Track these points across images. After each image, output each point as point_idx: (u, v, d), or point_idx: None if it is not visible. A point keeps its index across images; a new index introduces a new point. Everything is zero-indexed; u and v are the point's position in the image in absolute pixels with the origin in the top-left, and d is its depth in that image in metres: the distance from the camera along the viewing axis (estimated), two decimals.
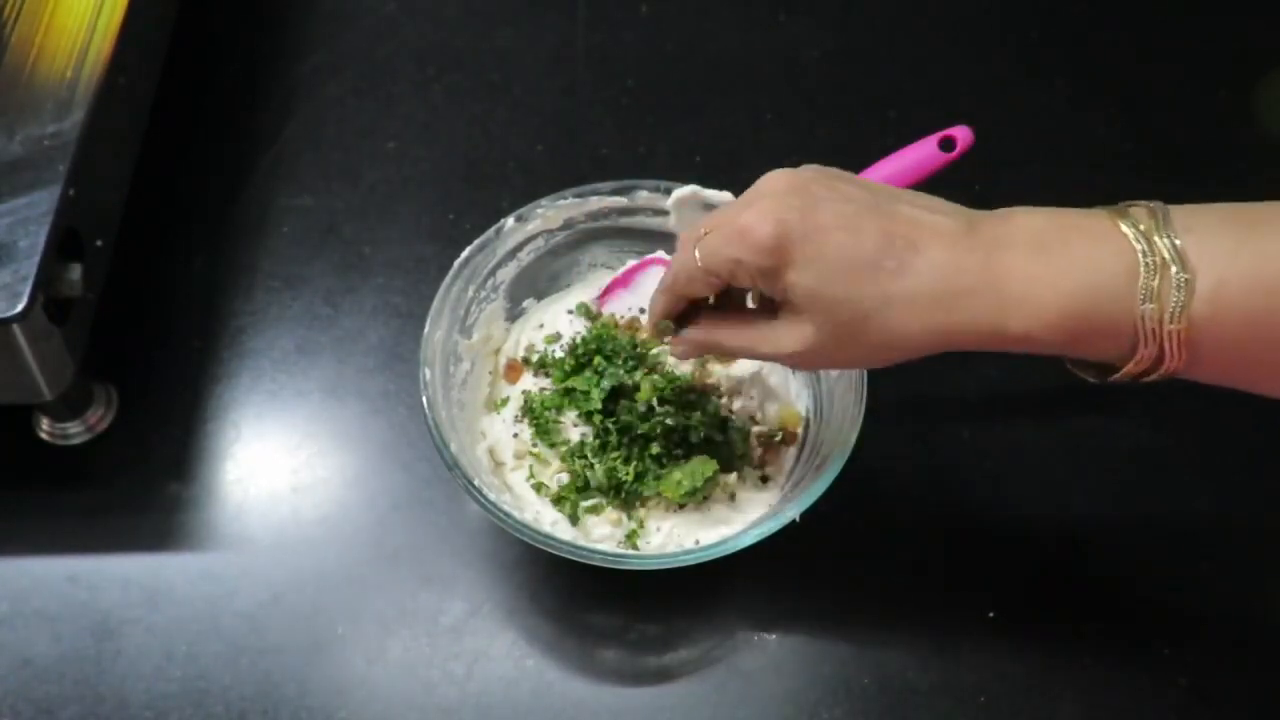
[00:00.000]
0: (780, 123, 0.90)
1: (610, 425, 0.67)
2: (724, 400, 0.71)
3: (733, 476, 0.69)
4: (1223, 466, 0.76)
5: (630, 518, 0.68)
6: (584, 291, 0.76)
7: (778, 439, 0.71)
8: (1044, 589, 0.71)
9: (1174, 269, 0.52)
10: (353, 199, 0.85)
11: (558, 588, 0.70)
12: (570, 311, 0.75)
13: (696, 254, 0.58)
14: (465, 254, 0.71)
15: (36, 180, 0.66)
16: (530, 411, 0.70)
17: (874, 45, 0.95)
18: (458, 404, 0.70)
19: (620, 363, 0.69)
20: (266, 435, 0.76)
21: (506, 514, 0.63)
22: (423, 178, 0.86)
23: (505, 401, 0.72)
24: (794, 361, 0.59)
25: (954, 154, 0.72)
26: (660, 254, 0.74)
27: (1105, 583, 0.71)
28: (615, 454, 0.67)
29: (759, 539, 0.63)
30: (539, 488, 0.69)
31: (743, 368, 0.72)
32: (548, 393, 0.70)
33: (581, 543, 0.65)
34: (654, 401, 0.67)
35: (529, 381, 0.72)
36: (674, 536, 0.67)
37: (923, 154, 0.72)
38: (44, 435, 0.74)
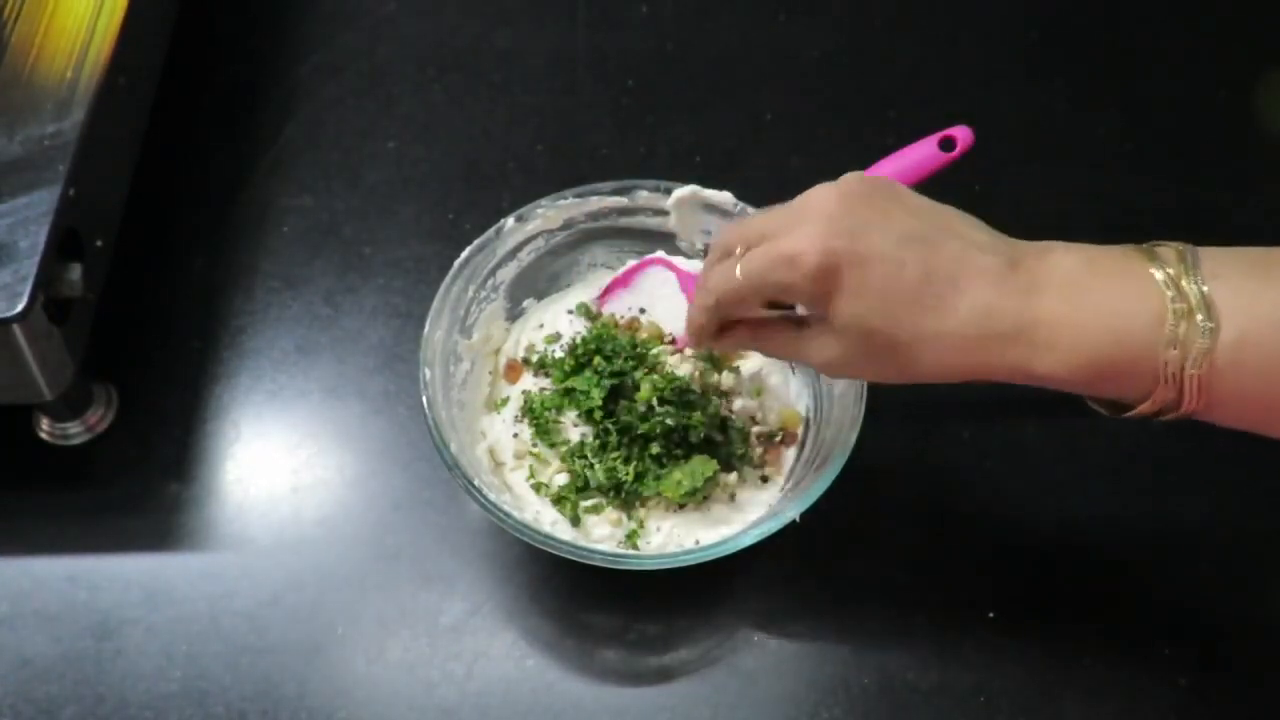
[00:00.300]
0: (780, 123, 0.90)
1: (610, 425, 0.67)
2: (724, 400, 0.71)
3: (733, 476, 0.69)
4: (1223, 466, 0.76)
5: (630, 518, 0.68)
6: (584, 291, 0.76)
7: (778, 439, 0.71)
8: (1044, 589, 0.71)
9: (1200, 316, 0.52)
10: (353, 199, 0.85)
11: (558, 588, 0.70)
12: (570, 311, 0.75)
13: (739, 273, 0.58)
14: (465, 254, 0.71)
15: (36, 180, 0.66)
16: (530, 411, 0.70)
17: (874, 45, 0.95)
18: (458, 404, 0.70)
19: (620, 363, 0.69)
20: (266, 435, 0.76)
21: (506, 514, 0.63)
22: (423, 178, 0.86)
23: (505, 401, 0.72)
24: (820, 370, 0.61)
25: (954, 154, 0.72)
26: (660, 254, 0.74)
27: (1105, 583, 0.71)
28: (615, 454, 0.67)
29: (759, 539, 0.63)
30: (539, 488, 0.69)
31: (743, 368, 0.72)
32: (548, 393, 0.70)
33: (581, 543, 0.65)
34: (654, 401, 0.67)
35: (529, 381, 0.72)
36: (674, 536, 0.67)
37: (923, 154, 0.72)
38: (44, 435, 0.74)
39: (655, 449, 0.67)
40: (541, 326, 0.75)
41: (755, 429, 0.71)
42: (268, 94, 0.90)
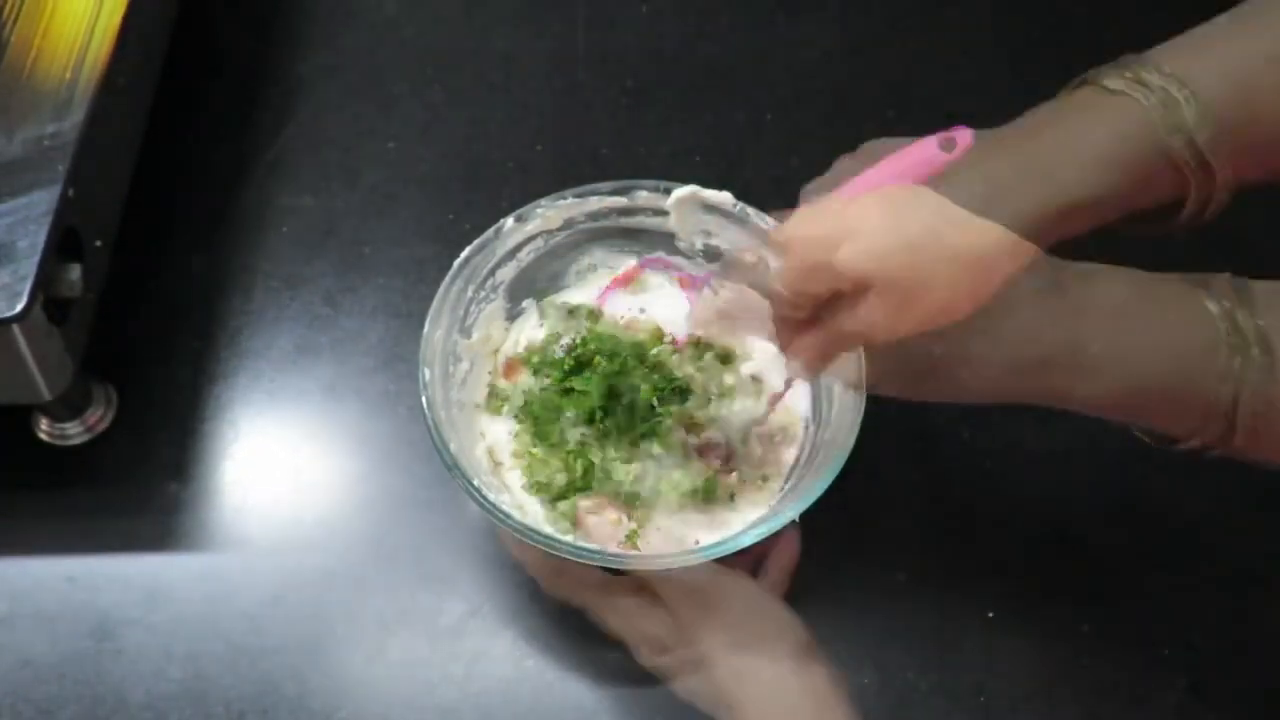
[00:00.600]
0: (780, 123, 0.90)
1: (610, 425, 0.67)
2: (724, 400, 0.71)
3: (733, 476, 0.69)
4: (1222, 467, 0.75)
5: (630, 518, 0.68)
6: (584, 292, 0.76)
7: (777, 439, 0.71)
8: (1044, 589, 0.71)
9: (1256, 350, 0.51)
10: (352, 199, 0.85)
11: None
12: (570, 312, 0.75)
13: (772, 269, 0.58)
14: (465, 254, 0.71)
15: (36, 180, 0.66)
16: (529, 411, 0.70)
17: (873, 45, 0.95)
18: (457, 404, 0.70)
19: (620, 362, 0.69)
20: (266, 435, 0.76)
21: (506, 514, 0.63)
22: (422, 178, 0.86)
23: (505, 401, 0.72)
24: (888, 336, 0.56)
25: (954, 154, 0.72)
26: (660, 254, 0.74)
27: (1105, 583, 0.71)
28: (615, 454, 0.67)
29: (759, 539, 0.63)
30: (537, 487, 0.69)
31: (743, 368, 0.72)
32: (547, 392, 0.70)
33: (581, 543, 0.65)
34: (654, 401, 0.67)
35: (528, 381, 0.72)
36: (674, 536, 0.67)
37: (922, 155, 0.72)
38: (43, 436, 0.74)
39: (655, 449, 0.67)
40: (541, 326, 0.75)
41: (755, 429, 0.71)
42: (268, 94, 0.90)
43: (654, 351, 0.70)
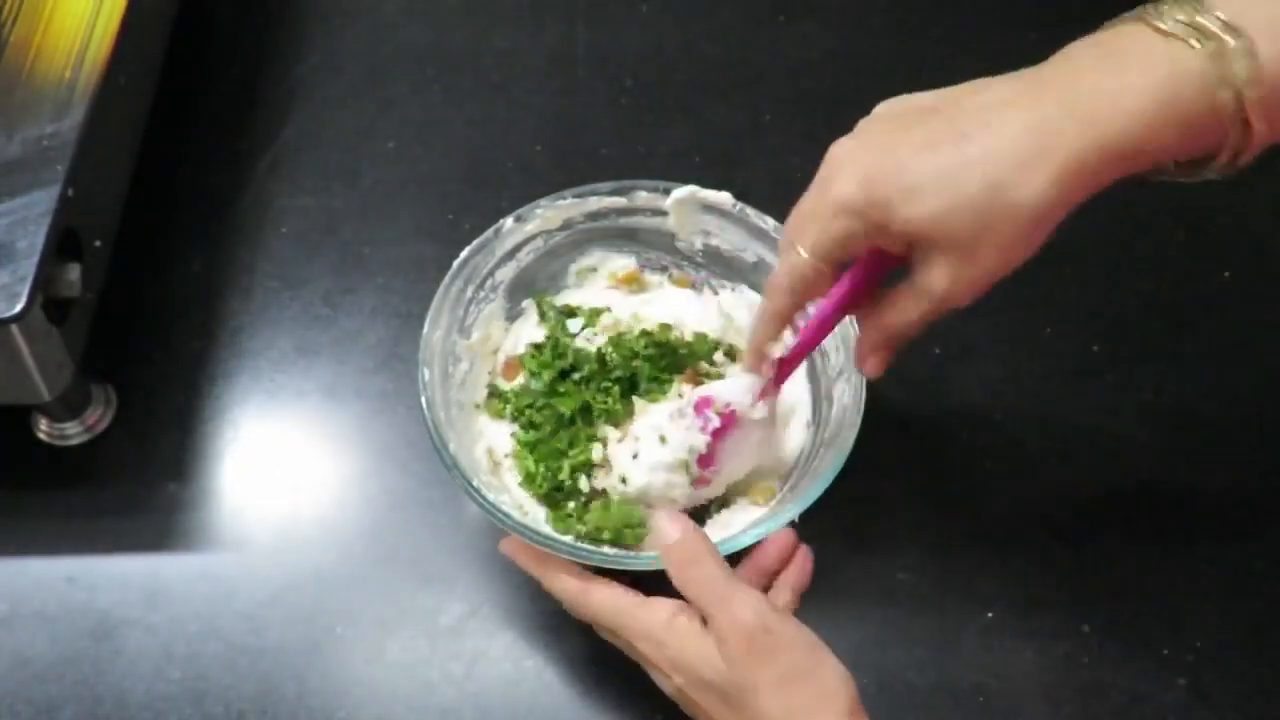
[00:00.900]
0: (780, 123, 0.90)
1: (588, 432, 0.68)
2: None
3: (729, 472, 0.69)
4: (1222, 467, 0.76)
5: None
6: (584, 292, 0.76)
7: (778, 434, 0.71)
8: (1043, 589, 0.71)
9: (1231, 42, 0.50)
10: (352, 199, 0.85)
11: None
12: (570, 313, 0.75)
13: (802, 251, 0.57)
14: (464, 254, 0.71)
15: (35, 180, 0.66)
16: (515, 410, 0.70)
17: (874, 45, 0.95)
18: (456, 404, 0.70)
19: (592, 387, 0.69)
20: (265, 435, 0.75)
21: (506, 514, 0.63)
22: (422, 178, 0.86)
23: (507, 403, 0.72)
24: (956, 298, 0.56)
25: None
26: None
27: (1105, 582, 0.71)
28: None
29: (759, 539, 0.63)
30: (530, 480, 0.69)
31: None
32: (535, 386, 0.70)
33: (580, 543, 0.65)
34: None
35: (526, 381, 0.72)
36: None
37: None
38: (42, 436, 0.74)
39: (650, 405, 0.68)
40: (541, 325, 0.74)
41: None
42: (267, 94, 0.90)
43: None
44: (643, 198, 0.73)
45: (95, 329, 0.72)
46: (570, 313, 0.74)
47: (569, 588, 0.62)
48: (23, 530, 0.71)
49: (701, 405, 0.65)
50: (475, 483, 0.64)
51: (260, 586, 0.70)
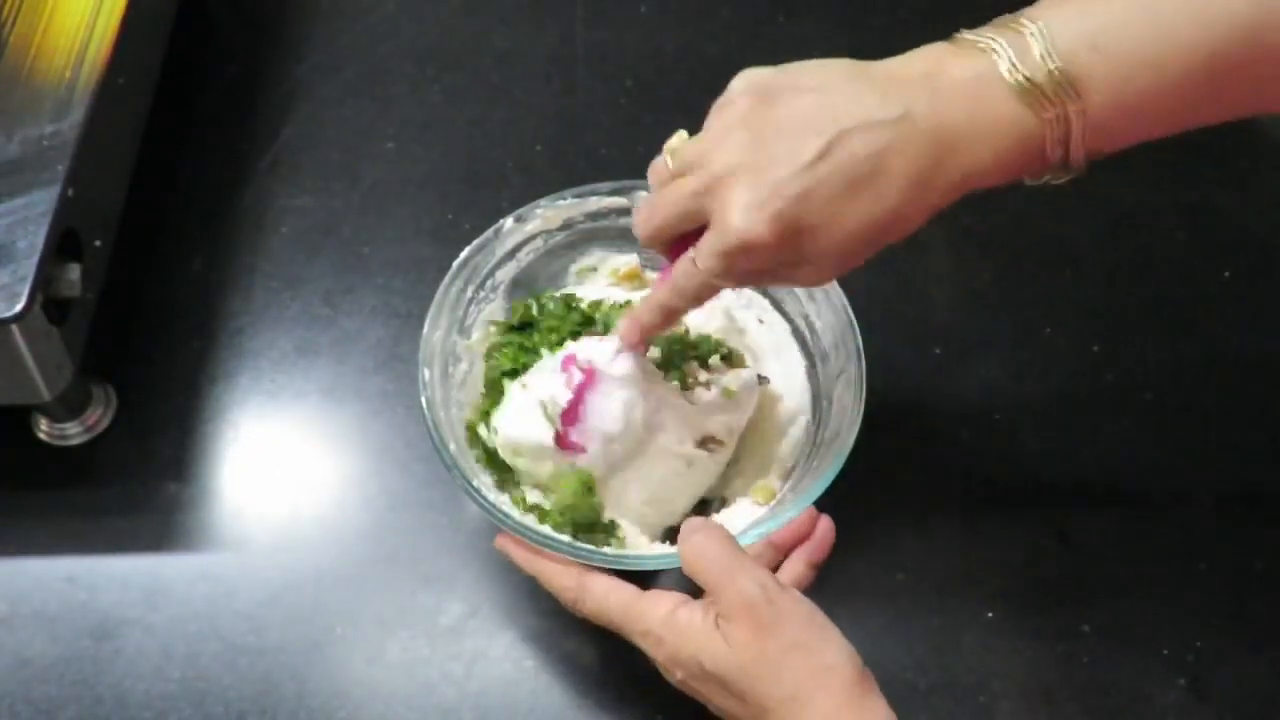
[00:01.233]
0: None
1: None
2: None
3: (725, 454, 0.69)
4: (1222, 468, 0.76)
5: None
6: (583, 291, 0.76)
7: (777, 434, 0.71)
8: (1044, 589, 0.71)
9: (1072, 107, 0.55)
10: (352, 199, 0.85)
11: None
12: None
13: (702, 269, 0.58)
14: (464, 254, 0.71)
15: (35, 180, 0.66)
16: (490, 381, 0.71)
17: (874, 46, 0.94)
18: (457, 404, 0.70)
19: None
20: (265, 436, 0.75)
21: (505, 514, 0.63)
22: (422, 178, 0.86)
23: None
24: (815, 285, 0.66)
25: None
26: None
27: (1105, 583, 0.71)
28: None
29: (759, 539, 0.63)
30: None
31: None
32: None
33: (580, 543, 0.65)
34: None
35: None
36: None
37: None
38: (42, 436, 0.74)
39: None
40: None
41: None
42: (267, 94, 0.90)
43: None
44: (642, 198, 0.73)
45: (95, 329, 0.72)
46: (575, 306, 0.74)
47: (566, 585, 0.62)
48: (23, 530, 0.71)
49: (567, 362, 0.66)
50: (475, 483, 0.64)
51: (260, 586, 0.70)
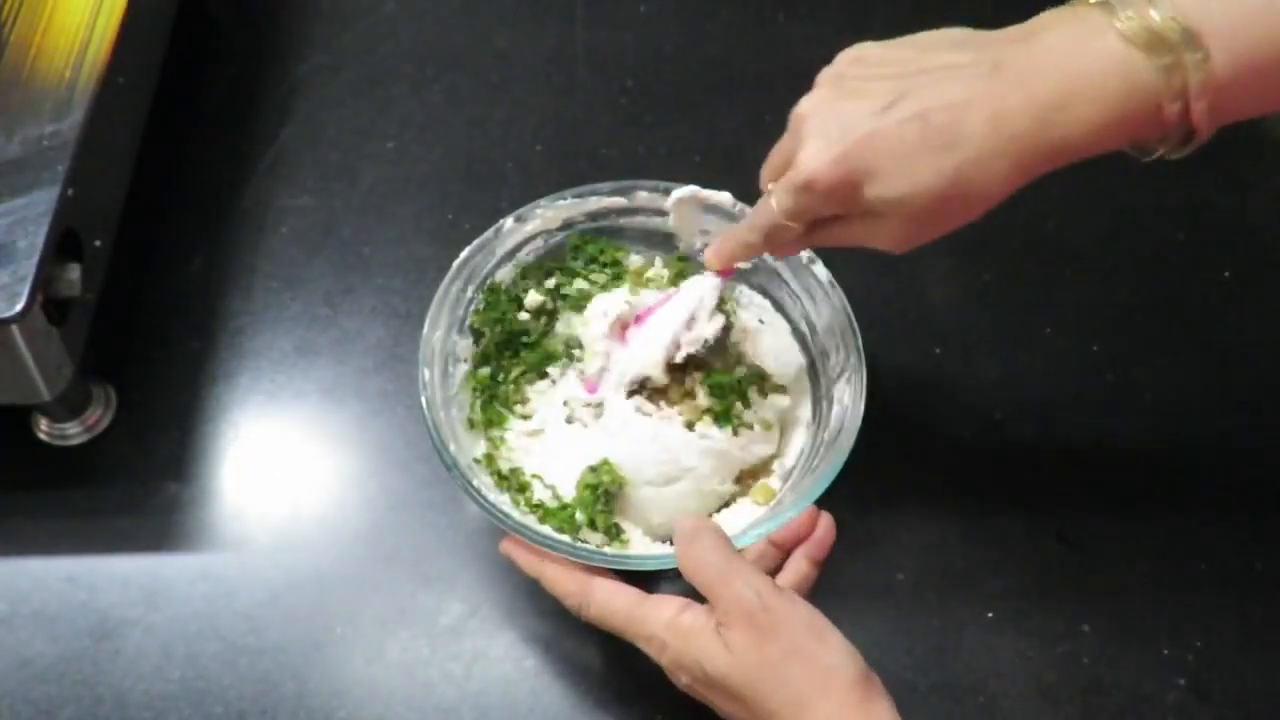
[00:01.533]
0: (780, 123, 0.88)
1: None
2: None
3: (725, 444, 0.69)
4: (1223, 467, 0.76)
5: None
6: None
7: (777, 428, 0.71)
8: (1044, 589, 0.71)
9: (1188, 54, 0.52)
10: (352, 199, 0.85)
11: None
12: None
13: (775, 205, 0.60)
14: (464, 254, 0.71)
15: (35, 181, 0.66)
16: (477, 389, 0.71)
17: None
18: (456, 404, 0.70)
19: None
20: (265, 436, 0.75)
21: (505, 514, 0.63)
22: (422, 178, 0.86)
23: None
24: (893, 250, 0.60)
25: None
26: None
27: (1105, 582, 0.71)
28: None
29: (759, 539, 0.63)
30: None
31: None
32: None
33: (580, 543, 0.65)
34: None
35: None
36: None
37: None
38: (42, 436, 0.74)
39: None
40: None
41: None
42: (267, 94, 0.90)
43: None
44: (643, 198, 0.73)
45: (95, 329, 0.72)
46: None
47: (571, 590, 0.62)
48: (23, 530, 0.71)
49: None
50: (475, 483, 0.64)
51: (260, 586, 0.70)
